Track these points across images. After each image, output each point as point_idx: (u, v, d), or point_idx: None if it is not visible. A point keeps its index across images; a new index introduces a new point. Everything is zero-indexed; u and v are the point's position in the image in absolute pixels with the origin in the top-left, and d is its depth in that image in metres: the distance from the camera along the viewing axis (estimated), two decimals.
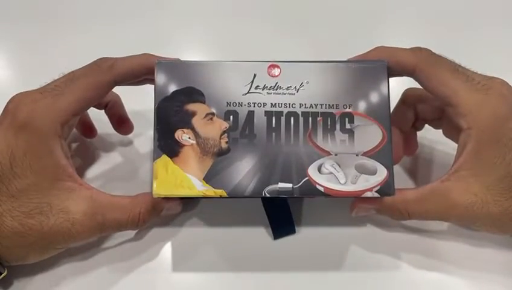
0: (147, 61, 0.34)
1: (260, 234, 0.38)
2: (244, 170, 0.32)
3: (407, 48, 0.34)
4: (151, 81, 0.35)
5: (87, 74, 0.33)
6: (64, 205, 0.32)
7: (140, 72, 0.34)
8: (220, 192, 0.32)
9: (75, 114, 0.33)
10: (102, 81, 0.33)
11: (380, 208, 0.34)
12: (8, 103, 0.33)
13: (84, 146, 0.43)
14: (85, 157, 0.42)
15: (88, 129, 0.41)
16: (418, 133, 0.40)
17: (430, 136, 0.42)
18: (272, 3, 0.54)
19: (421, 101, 0.37)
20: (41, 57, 0.48)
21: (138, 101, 0.39)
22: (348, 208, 0.35)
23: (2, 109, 0.33)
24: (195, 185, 0.32)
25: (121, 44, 0.47)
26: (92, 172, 0.41)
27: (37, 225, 0.31)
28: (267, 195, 0.32)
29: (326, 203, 0.39)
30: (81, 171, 0.41)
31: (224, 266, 0.37)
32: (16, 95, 0.33)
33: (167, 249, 0.38)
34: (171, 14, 0.53)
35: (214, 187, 0.32)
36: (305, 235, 0.38)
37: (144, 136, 0.43)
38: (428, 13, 0.53)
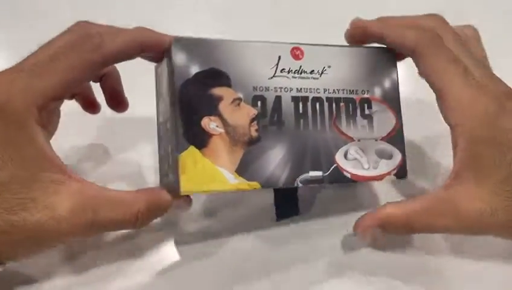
0: (141, 37, 0.30)
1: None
2: (275, 159, 0.30)
3: (419, 15, 0.33)
4: (147, 57, 0.31)
5: (70, 53, 0.29)
6: (50, 201, 0.27)
7: (134, 49, 0.30)
8: (254, 184, 0.30)
9: (55, 98, 0.29)
10: (87, 62, 0.29)
11: (383, 224, 0.31)
12: None
13: (78, 138, 0.39)
14: (79, 151, 0.37)
15: (90, 104, 0.37)
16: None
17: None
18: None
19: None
20: None
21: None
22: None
23: None
24: (227, 179, 0.29)
25: None
26: (87, 166, 0.37)
27: (20, 222, 0.27)
28: (300, 185, 0.31)
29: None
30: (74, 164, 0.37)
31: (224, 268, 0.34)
32: None
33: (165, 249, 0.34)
34: (171, 14, 0.51)
35: (247, 180, 0.30)
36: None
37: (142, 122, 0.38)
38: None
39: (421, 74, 0.33)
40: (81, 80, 0.30)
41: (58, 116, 0.33)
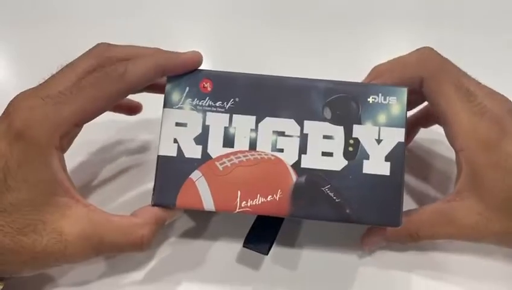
0: (163, 60, 0.32)
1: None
2: None
3: (409, 54, 0.34)
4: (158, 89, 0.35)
5: (95, 83, 0.30)
6: (59, 224, 0.29)
7: (156, 74, 0.32)
8: None
9: (78, 125, 0.31)
10: (112, 92, 0.31)
11: (388, 237, 0.34)
12: (8, 104, 0.30)
13: (85, 156, 0.40)
14: (85, 167, 0.39)
15: (128, 109, 0.40)
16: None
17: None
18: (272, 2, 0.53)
19: None
20: (41, 56, 0.46)
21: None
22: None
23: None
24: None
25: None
26: (92, 182, 0.39)
27: (29, 244, 0.29)
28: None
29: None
30: (81, 181, 0.39)
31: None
32: (18, 96, 0.30)
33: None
34: (172, 13, 0.52)
35: None
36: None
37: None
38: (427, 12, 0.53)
39: (428, 100, 0.34)
40: (105, 108, 0.31)
41: (74, 137, 0.34)
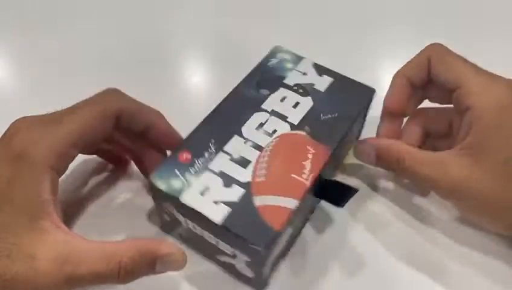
0: (152, 118, 0.34)
1: None
2: None
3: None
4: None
5: (89, 103, 0.32)
6: (33, 249, 0.27)
7: (141, 124, 0.34)
8: None
9: (74, 145, 0.31)
10: (104, 110, 0.32)
11: (379, 154, 0.36)
12: (8, 128, 0.30)
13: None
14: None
15: (114, 160, 0.40)
16: None
17: None
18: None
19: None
20: (42, 56, 0.48)
21: None
22: None
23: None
24: None
25: (122, 43, 0.49)
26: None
27: (1, 269, 0.26)
28: None
29: None
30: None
31: None
32: (17, 120, 0.31)
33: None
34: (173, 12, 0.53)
35: None
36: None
37: None
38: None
39: (438, 72, 0.36)
40: (97, 127, 0.31)
41: (71, 159, 0.32)
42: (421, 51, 0.37)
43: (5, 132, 0.30)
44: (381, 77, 0.43)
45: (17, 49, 0.51)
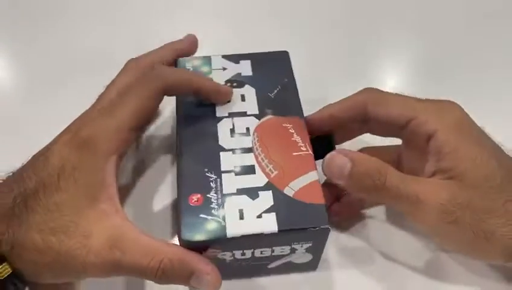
0: (197, 81, 0.35)
1: None
2: None
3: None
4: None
5: (137, 84, 0.33)
6: (89, 229, 0.28)
7: (188, 91, 0.35)
8: None
9: (132, 128, 0.32)
10: (152, 88, 0.33)
11: (355, 166, 0.31)
12: (73, 121, 0.33)
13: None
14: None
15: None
16: None
17: None
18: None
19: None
20: (42, 56, 0.47)
21: None
22: None
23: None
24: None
25: (122, 43, 0.48)
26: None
27: (56, 244, 0.28)
28: None
29: None
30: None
31: None
32: (77, 118, 0.33)
33: None
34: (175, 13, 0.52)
35: None
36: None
37: None
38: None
39: (383, 115, 0.34)
40: (151, 106, 0.33)
41: (130, 143, 0.33)
42: (354, 95, 0.35)
43: (71, 123, 0.32)
44: (381, 80, 0.43)
45: (17, 49, 0.51)
